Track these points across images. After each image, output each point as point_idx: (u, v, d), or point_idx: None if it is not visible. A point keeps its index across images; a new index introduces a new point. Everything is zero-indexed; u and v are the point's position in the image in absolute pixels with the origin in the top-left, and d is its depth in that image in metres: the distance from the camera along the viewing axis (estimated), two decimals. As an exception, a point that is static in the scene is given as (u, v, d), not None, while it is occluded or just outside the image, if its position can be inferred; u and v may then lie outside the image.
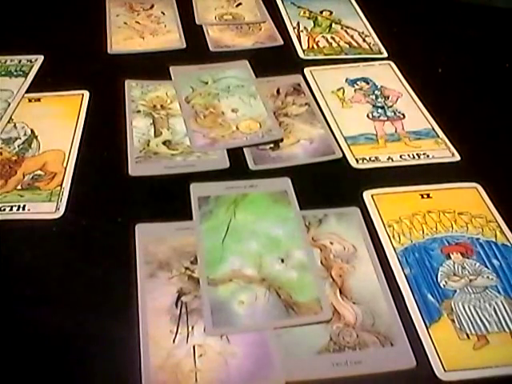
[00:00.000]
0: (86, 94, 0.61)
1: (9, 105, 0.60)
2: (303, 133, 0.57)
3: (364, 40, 0.73)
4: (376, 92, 0.63)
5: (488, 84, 0.66)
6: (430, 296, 0.42)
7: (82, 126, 0.57)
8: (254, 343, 0.39)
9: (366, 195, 0.50)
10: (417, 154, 0.55)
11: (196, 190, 0.50)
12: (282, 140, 0.56)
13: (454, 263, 0.45)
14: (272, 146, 0.56)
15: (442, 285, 0.43)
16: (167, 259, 0.44)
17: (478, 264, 0.45)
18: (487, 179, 0.52)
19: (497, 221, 0.48)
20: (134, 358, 0.38)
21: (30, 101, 0.61)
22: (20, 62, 0.66)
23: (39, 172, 0.52)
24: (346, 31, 0.75)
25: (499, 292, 0.43)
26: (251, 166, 0.54)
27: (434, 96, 0.62)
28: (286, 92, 0.63)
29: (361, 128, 0.58)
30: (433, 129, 0.58)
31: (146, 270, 0.43)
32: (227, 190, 0.50)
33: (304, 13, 0.78)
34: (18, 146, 0.55)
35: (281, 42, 0.72)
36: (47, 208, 0.48)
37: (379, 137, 0.57)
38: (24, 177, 0.52)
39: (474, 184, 0.51)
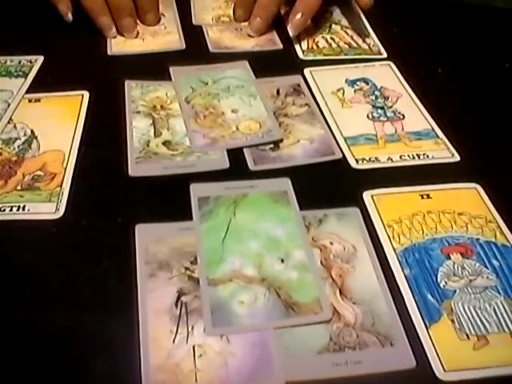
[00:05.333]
0: (86, 94, 0.61)
1: (9, 105, 0.59)
2: (303, 133, 0.57)
3: (364, 40, 0.73)
4: (376, 92, 0.63)
5: (488, 84, 0.66)
6: (429, 296, 0.42)
7: (82, 126, 0.57)
8: (254, 343, 0.39)
9: (366, 195, 0.50)
10: (417, 155, 0.55)
11: (196, 190, 0.50)
12: (281, 140, 0.56)
13: (453, 263, 0.45)
14: (272, 146, 0.56)
15: (441, 285, 0.43)
16: (167, 259, 0.44)
17: (477, 264, 0.45)
18: (487, 179, 0.52)
19: (497, 221, 0.48)
20: (133, 358, 0.38)
21: (29, 101, 0.61)
22: (20, 62, 0.66)
23: (39, 172, 0.52)
24: (345, 32, 0.75)
25: (499, 292, 0.43)
26: (251, 166, 0.54)
27: (434, 96, 0.62)
28: (285, 92, 0.63)
29: (361, 128, 0.58)
30: (433, 129, 0.58)
31: (146, 270, 0.43)
32: (227, 190, 0.50)
33: (304, 13, 0.78)
34: (18, 147, 0.55)
35: (280, 46, 0.71)
36: (47, 208, 0.48)
37: (379, 137, 0.57)
38: (24, 177, 0.52)
39: (473, 184, 0.51)
